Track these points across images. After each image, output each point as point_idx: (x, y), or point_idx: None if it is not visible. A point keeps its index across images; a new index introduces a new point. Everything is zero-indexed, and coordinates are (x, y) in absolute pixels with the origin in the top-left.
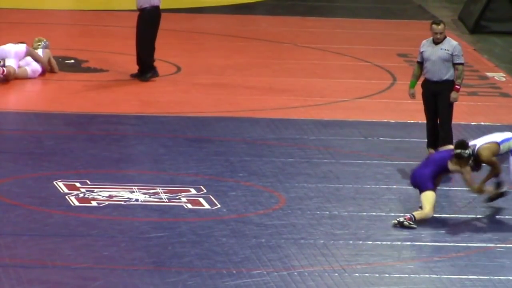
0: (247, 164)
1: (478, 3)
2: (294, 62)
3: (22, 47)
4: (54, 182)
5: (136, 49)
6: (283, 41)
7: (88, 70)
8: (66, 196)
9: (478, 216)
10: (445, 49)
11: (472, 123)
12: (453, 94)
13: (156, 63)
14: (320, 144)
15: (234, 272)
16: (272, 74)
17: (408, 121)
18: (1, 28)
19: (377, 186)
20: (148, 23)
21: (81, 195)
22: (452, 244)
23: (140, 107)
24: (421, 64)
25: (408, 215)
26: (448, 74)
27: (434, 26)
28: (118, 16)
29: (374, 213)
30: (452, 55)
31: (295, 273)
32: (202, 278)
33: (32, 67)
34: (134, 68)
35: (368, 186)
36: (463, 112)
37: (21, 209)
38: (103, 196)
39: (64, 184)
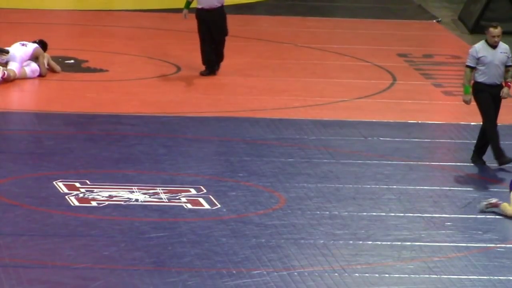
0: (247, 164)
1: (478, 3)
2: (294, 62)
3: (28, 50)
4: (54, 182)
5: (208, 48)
6: (283, 41)
7: (88, 70)
8: (66, 196)
9: (478, 216)
10: (504, 52)
11: (472, 123)
12: (506, 90)
13: (155, 63)
14: (320, 144)
15: (234, 272)
16: (272, 74)
17: (408, 121)
18: (1, 28)
19: (377, 186)
20: (224, 20)
21: (81, 195)
22: (452, 244)
23: (140, 107)
24: (473, 68)
25: (495, 201)
26: (503, 76)
27: (492, 29)
28: (118, 16)
29: (374, 213)
30: (508, 57)
31: (295, 273)
32: (202, 278)
33: (32, 67)
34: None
35: (368, 186)
36: (463, 112)
37: (21, 209)
38: (103, 196)
39: (64, 184)
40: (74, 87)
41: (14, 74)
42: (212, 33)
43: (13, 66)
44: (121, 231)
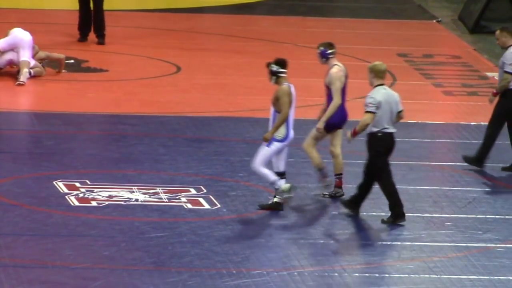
0: (247, 164)
1: (478, 3)
2: (294, 62)
3: (29, 36)
4: (54, 182)
5: (96, 16)
6: (283, 41)
7: (88, 70)
8: (66, 196)
9: (478, 216)
10: None
11: (472, 123)
12: None
13: (155, 63)
14: (320, 144)
15: (234, 272)
16: None
17: (408, 121)
18: (1, 28)
19: (377, 186)
20: None
21: (81, 195)
22: (452, 244)
23: (140, 107)
24: None
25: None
26: None
27: None
28: (118, 16)
29: (374, 213)
30: None
31: (295, 273)
32: (202, 278)
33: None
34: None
35: None
36: (463, 112)
37: (21, 209)
38: (103, 196)
39: (64, 184)
40: (74, 87)
41: (42, 70)
42: None
43: (26, 56)
44: (121, 231)
